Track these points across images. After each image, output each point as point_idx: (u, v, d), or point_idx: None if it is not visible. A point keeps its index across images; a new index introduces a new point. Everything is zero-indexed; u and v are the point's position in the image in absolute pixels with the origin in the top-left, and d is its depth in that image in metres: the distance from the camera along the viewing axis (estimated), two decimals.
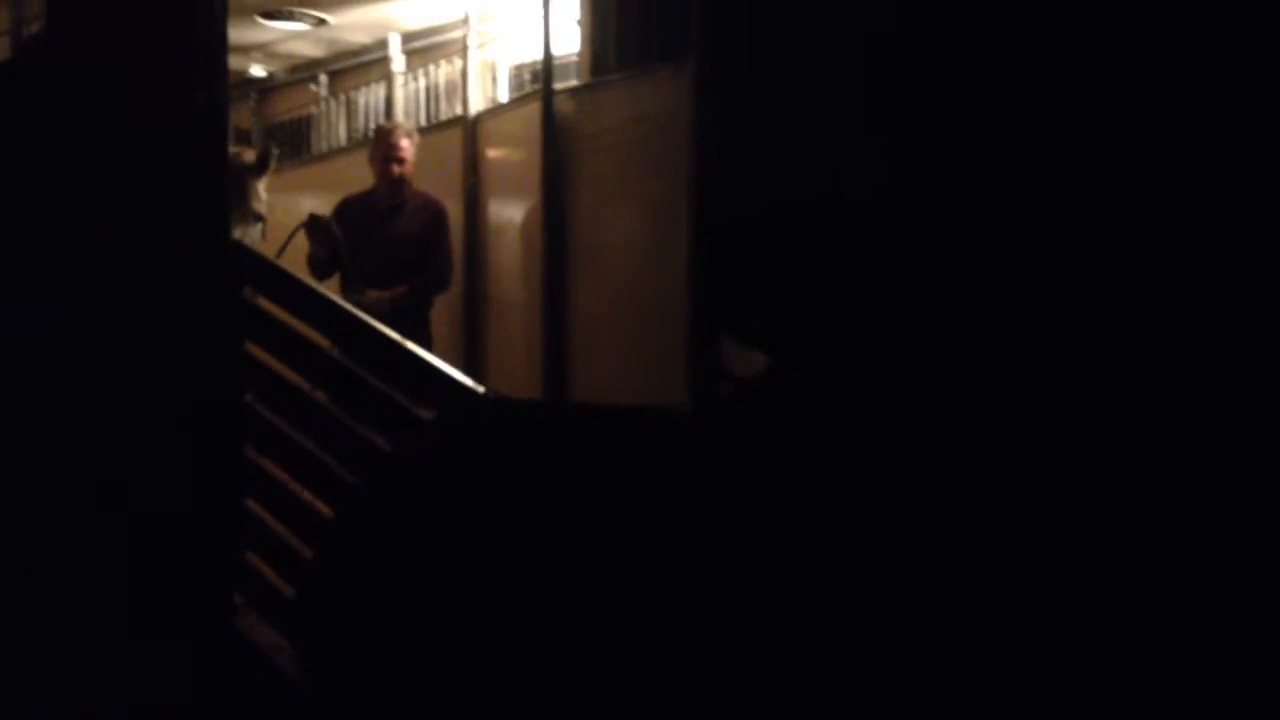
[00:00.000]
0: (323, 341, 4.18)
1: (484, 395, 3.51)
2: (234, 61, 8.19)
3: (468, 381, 3.54)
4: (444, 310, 5.97)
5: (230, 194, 5.73)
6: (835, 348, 4.88)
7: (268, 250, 7.09)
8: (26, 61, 4.43)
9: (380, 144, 5.85)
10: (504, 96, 6.52)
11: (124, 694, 3.90)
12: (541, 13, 5.60)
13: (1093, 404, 3.06)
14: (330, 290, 5.78)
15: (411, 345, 3.78)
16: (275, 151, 6.21)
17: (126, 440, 3.94)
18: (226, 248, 4.24)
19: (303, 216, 6.02)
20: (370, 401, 3.88)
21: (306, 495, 4.00)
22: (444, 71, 6.90)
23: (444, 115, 6.85)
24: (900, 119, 4.98)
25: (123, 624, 3.94)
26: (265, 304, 4.25)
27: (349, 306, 4.15)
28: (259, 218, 5.96)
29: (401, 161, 5.79)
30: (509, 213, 5.89)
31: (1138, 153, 3.54)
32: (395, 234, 5.83)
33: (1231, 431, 2.77)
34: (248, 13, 6.96)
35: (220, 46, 4.27)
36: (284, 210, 7.20)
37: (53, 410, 3.92)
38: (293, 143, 8.48)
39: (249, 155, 5.96)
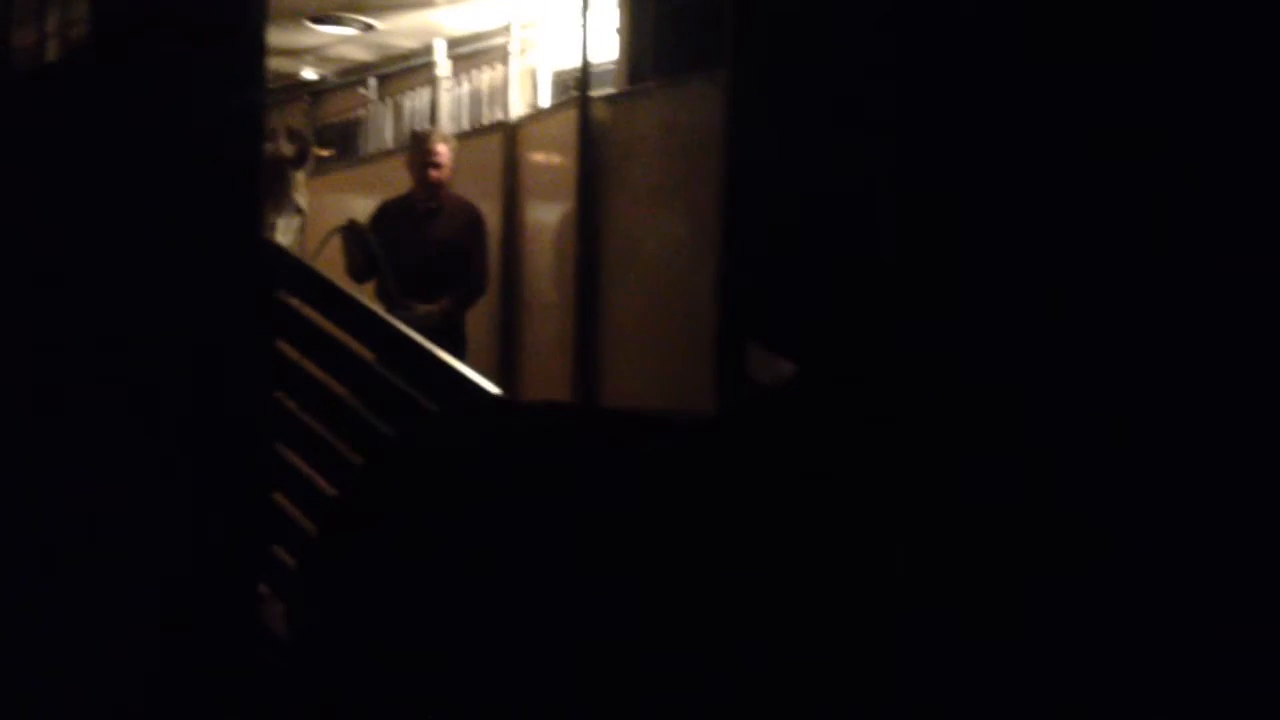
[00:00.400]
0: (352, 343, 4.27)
1: (500, 401, 3.57)
2: (287, 64, 8.35)
3: (492, 388, 3.61)
4: (480, 313, 6.05)
5: (271, 185, 5.91)
6: (861, 356, 4.91)
7: (308, 242, 7.28)
8: (73, 63, 4.55)
9: (417, 149, 5.94)
10: (546, 102, 6.60)
11: (149, 683, 4.01)
12: (580, 20, 5.67)
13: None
14: (366, 296, 5.89)
15: (437, 350, 3.87)
16: (313, 145, 6.32)
17: (155, 431, 4.05)
18: (261, 248, 4.34)
19: (348, 218, 6.13)
20: (397, 404, 3.96)
21: (333, 491, 4.09)
22: (488, 77, 6.99)
23: (487, 120, 6.94)
24: (929, 125, 4.99)
25: (150, 614, 4.05)
26: (299, 305, 4.35)
27: (378, 310, 4.23)
28: (299, 209, 6.07)
29: (439, 166, 5.87)
30: (546, 217, 5.97)
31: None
32: (433, 238, 5.92)
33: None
34: (298, 17, 7.08)
35: (259, 50, 4.37)
36: (334, 209, 7.33)
37: (82, 404, 4.04)
38: (343, 144, 8.61)
39: (287, 148, 6.06)
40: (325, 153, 8.88)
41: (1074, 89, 4.25)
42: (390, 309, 5.52)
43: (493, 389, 3.59)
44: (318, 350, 4.17)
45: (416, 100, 7.60)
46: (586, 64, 5.65)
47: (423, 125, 7.33)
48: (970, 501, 2.63)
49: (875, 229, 4.91)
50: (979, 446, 3.27)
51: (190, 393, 4.10)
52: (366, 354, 4.11)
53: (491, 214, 6.24)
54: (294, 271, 4.34)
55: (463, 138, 6.74)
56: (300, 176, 6.05)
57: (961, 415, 4.02)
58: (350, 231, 5.74)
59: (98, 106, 4.31)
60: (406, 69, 7.70)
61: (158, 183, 4.18)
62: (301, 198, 6.07)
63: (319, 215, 7.84)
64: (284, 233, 5.96)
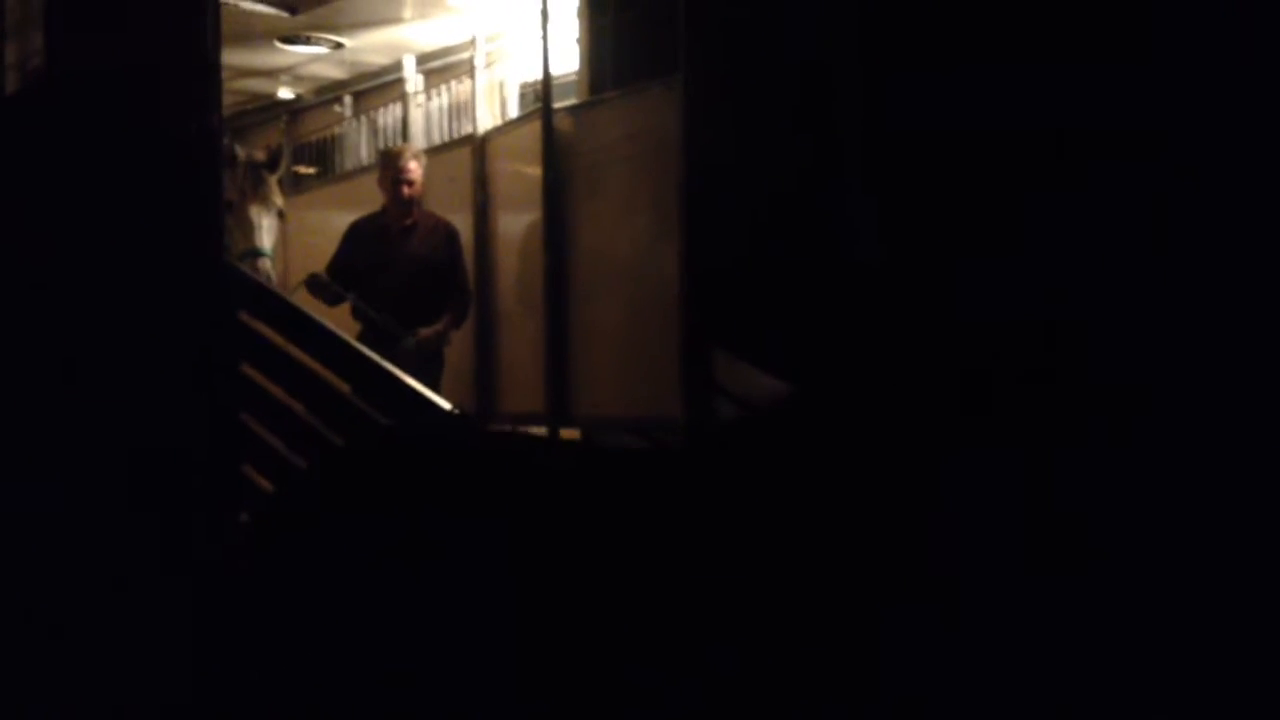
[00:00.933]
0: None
1: (450, 415, 3.60)
2: (263, 85, 8.40)
3: (441, 402, 3.64)
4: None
5: (255, 188, 6.10)
6: (826, 359, 4.93)
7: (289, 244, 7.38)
8: (30, 94, 4.59)
9: (389, 167, 5.99)
10: (515, 114, 6.63)
11: (131, 664, 4.04)
12: (540, 33, 5.70)
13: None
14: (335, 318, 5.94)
15: (387, 365, 3.90)
16: (283, 151, 6.51)
17: (119, 451, 4.09)
18: (223, 271, 4.38)
19: (331, 232, 6.21)
20: (356, 422, 4.00)
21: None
22: (458, 91, 7.02)
23: (460, 134, 6.97)
24: (875, 129, 5.01)
25: (119, 642, 4.08)
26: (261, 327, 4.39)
27: (335, 331, 4.26)
28: (279, 210, 6.24)
29: (411, 183, 5.92)
30: (516, 229, 6.00)
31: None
32: (409, 255, 5.96)
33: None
34: (268, 38, 7.12)
35: (212, 75, 4.42)
36: (314, 225, 7.37)
37: (44, 427, 4.07)
38: (321, 162, 8.65)
39: (260, 154, 6.26)
40: (307, 170, 8.94)
41: (1029, 89, 4.27)
42: (382, 336, 5.62)
43: (443, 404, 3.61)
44: (279, 371, 4.21)
45: (390, 116, 7.64)
46: (548, 75, 5.68)
47: (394, 142, 7.37)
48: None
49: (835, 230, 4.94)
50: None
51: (153, 414, 4.14)
52: (326, 373, 4.14)
53: (464, 226, 6.28)
54: (253, 293, 4.37)
55: (433, 152, 6.79)
56: (274, 180, 6.22)
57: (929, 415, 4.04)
58: (312, 285, 5.81)
59: (55, 136, 4.35)
60: (380, 85, 7.74)
61: (117, 208, 4.22)
62: (278, 199, 6.26)
63: (301, 233, 7.91)
64: (269, 231, 6.13)
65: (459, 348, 6.16)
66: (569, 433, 5.74)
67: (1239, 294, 3.71)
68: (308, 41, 7.10)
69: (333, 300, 5.87)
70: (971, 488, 3.03)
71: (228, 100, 8.81)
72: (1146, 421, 3.44)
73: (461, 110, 7.02)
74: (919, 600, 2.41)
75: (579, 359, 5.54)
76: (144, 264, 4.20)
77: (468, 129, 6.76)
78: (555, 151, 5.63)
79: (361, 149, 7.98)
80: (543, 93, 5.74)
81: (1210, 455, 3.31)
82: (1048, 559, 3.17)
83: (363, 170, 7.58)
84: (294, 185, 8.76)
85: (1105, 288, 3.96)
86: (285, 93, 8.51)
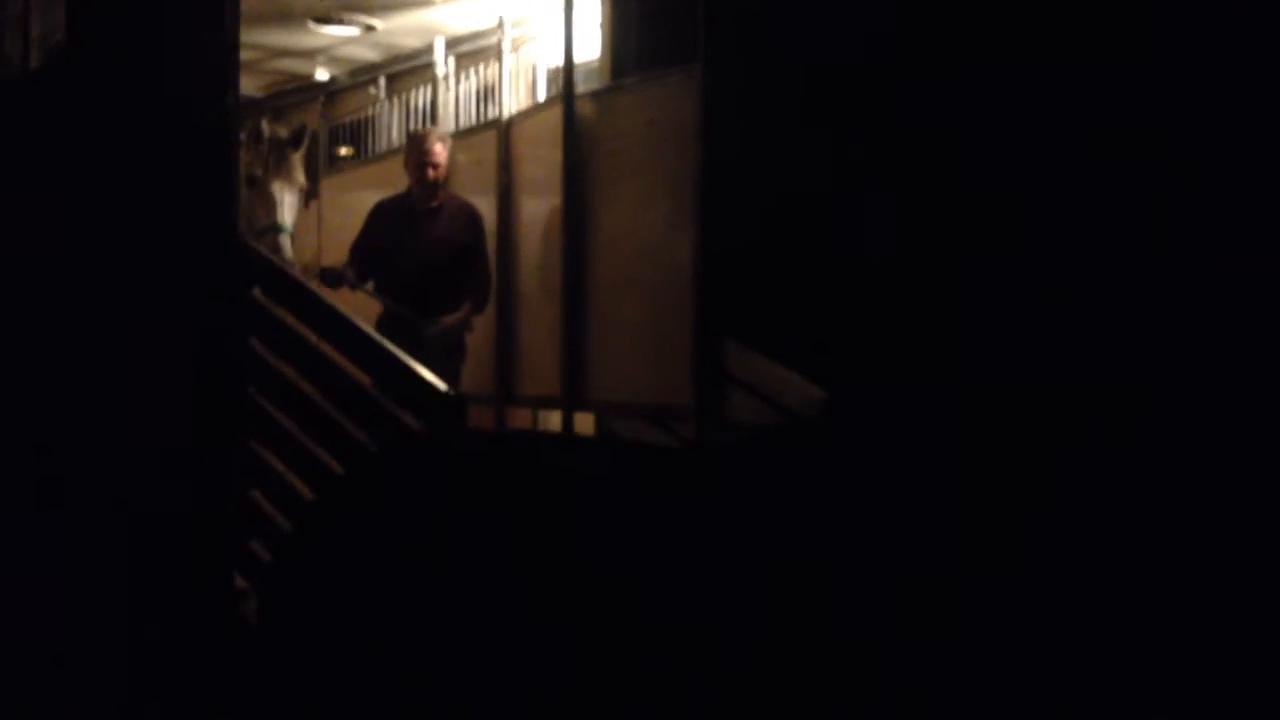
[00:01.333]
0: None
1: (451, 396, 3.62)
2: (299, 65, 8.47)
3: (437, 383, 3.66)
4: None
5: (278, 165, 6.19)
6: (839, 351, 4.91)
7: (304, 214, 7.47)
8: (51, 70, 4.65)
9: (414, 150, 6.03)
10: (543, 98, 6.64)
11: (125, 676, 4.10)
12: (564, 17, 5.71)
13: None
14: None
15: (393, 349, 3.93)
16: (307, 128, 6.57)
17: (133, 426, 4.14)
18: (236, 248, 4.41)
19: (363, 213, 6.28)
20: (363, 403, 4.02)
21: (305, 489, 4.17)
22: (486, 75, 7.04)
23: (488, 118, 6.99)
24: (890, 124, 4.98)
25: (127, 607, 4.14)
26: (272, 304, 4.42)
27: (336, 307, 4.29)
28: (301, 186, 6.32)
29: (436, 166, 5.96)
30: (538, 214, 6.02)
31: None
32: (433, 237, 6.00)
33: None
34: (300, 19, 7.18)
35: (230, 53, 4.45)
36: (350, 208, 7.41)
37: (63, 395, 4.13)
38: (354, 143, 8.71)
39: (283, 130, 6.33)
40: (345, 151, 9.01)
41: (1047, 86, 4.25)
42: (405, 324, 5.68)
43: (439, 384, 3.64)
44: (289, 348, 4.24)
45: (421, 99, 7.67)
46: (570, 60, 5.69)
47: (424, 124, 7.41)
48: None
49: (847, 222, 4.92)
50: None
51: (165, 387, 4.19)
52: (334, 354, 4.18)
53: (488, 210, 6.31)
54: (266, 271, 4.41)
55: (461, 135, 6.82)
56: (297, 156, 6.29)
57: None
58: (325, 276, 5.86)
59: (75, 112, 4.40)
60: (412, 68, 7.77)
61: (132, 183, 4.27)
62: (301, 176, 6.34)
63: (335, 213, 7.98)
64: (290, 208, 6.21)
65: (480, 331, 6.19)
66: (583, 417, 5.77)
67: (1241, 291, 3.67)
68: (340, 22, 7.15)
69: (353, 286, 5.92)
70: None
71: (266, 80, 8.93)
72: (1148, 420, 3.41)
73: (490, 94, 7.03)
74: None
75: (595, 344, 5.56)
76: (157, 238, 4.25)
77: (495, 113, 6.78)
78: (576, 137, 5.64)
79: (393, 131, 8.03)
80: (565, 77, 5.75)
81: (1213, 449, 3.28)
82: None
83: (394, 152, 7.62)
84: (330, 166, 8.84)
85: (1108, 286, 3.94)
86: (322, 74, 8.58)
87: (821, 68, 4.82)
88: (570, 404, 5.69)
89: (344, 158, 8.83)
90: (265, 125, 6.31)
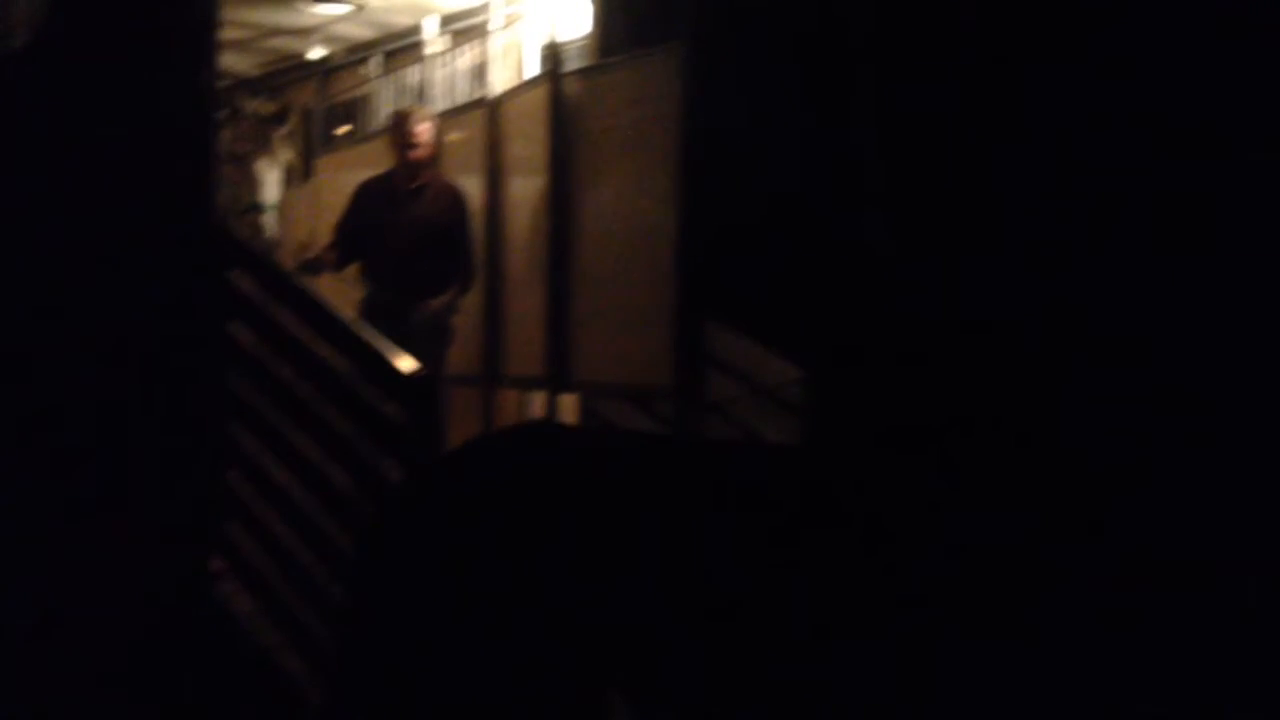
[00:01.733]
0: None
1: (420, 379, 3.61)
2: (293, 44, 8.45)
3: (403, 363, 3.65)
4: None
5: (261, 143, 6.19)
6: (819, 334, 4.89)
7: (296, 195, 7.47)
8: (34, 50, 4.63)
9: (397, 129, 5.99)
10: (533, 76, 6.61)
11: (102, 659, 4.11)
12: None
13: None
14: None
15: (369, 333, 3.92)
16: (290, 106, 6.56)
17: (108, 406, 4.14)
18: (214, 231, 4.40)
19: (297, 261, 6.28)
20: (336, 385, 4.01)
21: (282, 473, 4.16)
22: (478, 53, 7.01)
23: (480, 96, 6.96)
24: (887, 111, 4.94)
25: (104, 590, 4.14)
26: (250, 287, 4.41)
27: (318, 296, 4.27)
28: (286, 165, 6.33)
29: (419, 146, 5.92)
30: (525, 193, 5.99)
31: None
32: (417, 217, 5.98)
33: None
34: None
35: (207, 33, 4.42)
36: (344, 187, 7.39)
37: (38, 376, 4.13)
38: (350, 121, 8.70)
39: (266, 108, 6.32)
40: (344, 129, 8.99)
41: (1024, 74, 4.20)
42: (392, 309, 5.68)
43: (404, 364, 3.62)
44: (266, 330, 4.23)
45: (415, 77, 7.65)
46: (556, 39, 5.66)
47: (417, 102, 7.38)
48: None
49: (832, 206, 4.89)
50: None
51: (142, 371, 4.18)
52: (311, 339, 4.16)
53: (477, 190, 6.28)
54: (244, 253, 4.40)
55: (450, 114, 6.79)
56: (281, 134, 6.29)
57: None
58: (304, 268, 5.83)
59: (57, 92, 4.39)
60: (405, 46, 7.75)
61: (108, 165, 4.26)
62: (284, 153, 6.32)
63: (330, 192, 7.96)
64: (273, 186, 6.21)
65: (468, 312, 6.17)
66: (568, 398, 5.76)
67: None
68: (331, 0, 7.12)
69: (333, 271, 5.93)
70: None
71: (260, 59, 8.91)
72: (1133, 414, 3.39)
73: (483, 72, 7.00)
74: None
75: (579, 325, 5.54)
76: (132, 218, 4.24)
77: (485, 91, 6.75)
78: (562, 116, 5.62)
79: (388, 109, 8.01)
80: (551, 56, 5.72)
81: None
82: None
83: (384, 130, 7.61)
84: (326, 144, 8.83)
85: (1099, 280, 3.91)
86: (316, 52, 8.56)
87: (810, 53, 4.78)
88: (555, 385, 5.68)
89: (339, 136, 8.82)
90: (245, 103, 6.29)
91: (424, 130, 5.95)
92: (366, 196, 6.06)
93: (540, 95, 5.76)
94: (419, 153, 5.92)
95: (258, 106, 6.39)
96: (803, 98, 4.86)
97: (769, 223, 4.83)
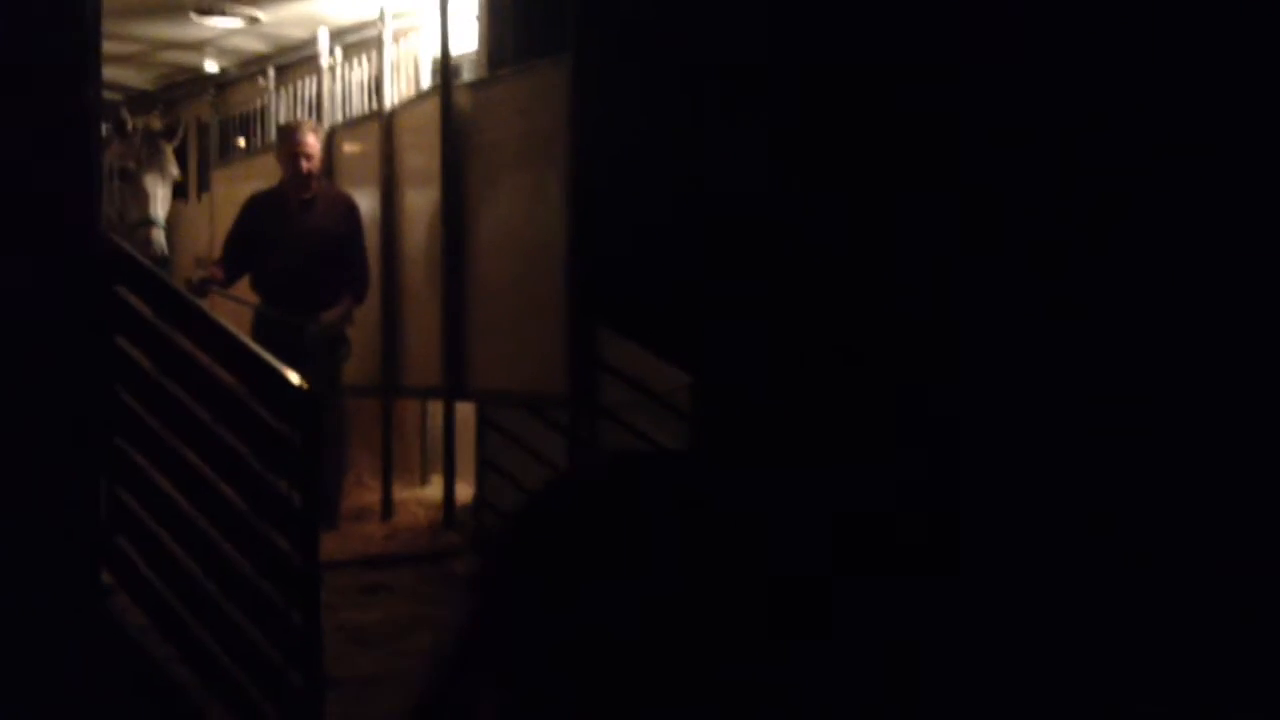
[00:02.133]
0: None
1: (303, 392, 3.63)
2: (187, 57, 8.39)
3: (292, 376, 3.66)
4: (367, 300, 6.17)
5: (152, 157, 6.17)
6: (707, 341, 4.97)
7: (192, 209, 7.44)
8: None
9: (286, 141, 6.00)
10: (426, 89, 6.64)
11: None
12: (440, 8, 5.72)
13: None
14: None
15: (249, 343, 3.93)
16: (181, 121, 6.57)
17: None
18: (98, 244, 4.38)
19: (184, 279, 6.26)
20: (225, 401, 4.01)
21: (170, 486, 4.15)
22: (372, 66, 7.02)
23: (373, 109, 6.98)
24: (777, 115, 5.05)
25: None
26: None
27: (205, 310, 4.27)
28: (174, 177, 6.32)
29: (309, 157, 5.94)
30: (420, 205, 6.02)
31: None
32: (310, 228, 5.99)
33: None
34: (184, 10, 7.11)
35: (91, 47, 4.41)
36: (238, 196, 7.36)
37: None
38: (247, 134, 8.65)
39: (157, 123, 6.31)
40: (241, 143, 8.94)
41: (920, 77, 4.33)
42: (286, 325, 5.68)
43: (293, 378, 3.64)
44: (153, 346, 4.22)
45: (309, 90, 7.64)
46: (447, 51, 5.70)
47: (311, 115, 7.38)
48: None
49: (718, 212, 4.98)
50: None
51: (24, 382, 4.16)
52: (196, 351, 4.16)
53: (372, 202, 6.30)
54: (130, 268, 4.38)
55: (345, 127, 6.80)
56: (170, 149, 6.28)
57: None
58: (193, 289, 5.78)
59: None
60: (299, 60, 7.73)
61: None
62: (174, 168, 6.32)
63: (226, 205, 7.92)
64: (163, 201, 6.20)
65: (366, 323, 6.19)
66: (464, 405, 5.80)
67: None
68: (223, 13, 7.10)
69: (221, 288, 5.92)
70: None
71: (155, 73, 8.84)
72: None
73: (378, 85, 7.01)
74: None
75: (475, 335, 5.59)
76: (16, 234, 4.22)
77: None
78: (453, 129, 5.66)
79: (283, 122, 7.98)
80: (442, 69, 5.77)
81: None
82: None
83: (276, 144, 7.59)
84: (221, 158, 8.78)
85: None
86: (211, 66, 8.51)
87: (691, 59, 4.88)
88: (452, 394, 5.71)
89: (236, 149, 8.77)
90: (132, 118, 6.25)
91: (312, 142, 5.97)
92: (257, 209, 6.05)
93: (432, 108, 5.80)
94: (309, 164, 5.93)
95: (149, 122, 6.36)
96: (690, 109, 4.95)
97: (658, 231, 4.92)
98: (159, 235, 6.00)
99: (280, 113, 7.95)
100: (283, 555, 3.65)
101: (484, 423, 5.64)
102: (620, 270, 4.96)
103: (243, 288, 6.14)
